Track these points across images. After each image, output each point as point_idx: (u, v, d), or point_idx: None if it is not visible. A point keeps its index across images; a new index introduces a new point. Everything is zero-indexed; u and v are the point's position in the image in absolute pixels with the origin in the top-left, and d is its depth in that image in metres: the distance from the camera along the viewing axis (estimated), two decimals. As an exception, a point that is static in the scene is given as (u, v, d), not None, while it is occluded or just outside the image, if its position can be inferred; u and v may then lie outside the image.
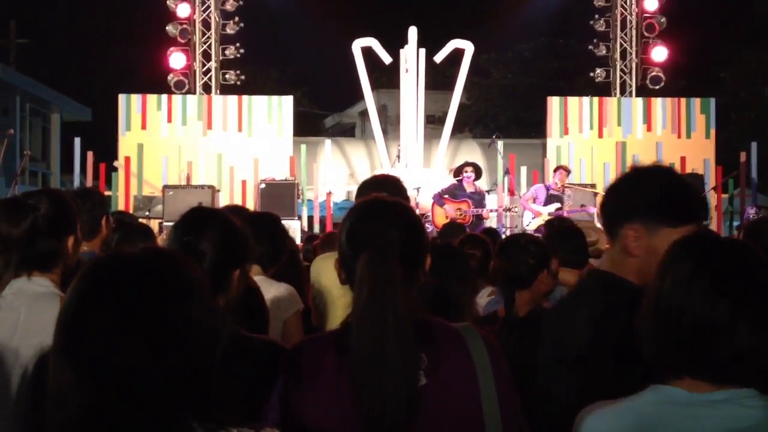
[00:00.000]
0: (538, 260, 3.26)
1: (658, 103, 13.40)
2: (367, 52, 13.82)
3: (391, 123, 23.36)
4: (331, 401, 1.67)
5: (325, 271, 3.60)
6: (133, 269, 1.23)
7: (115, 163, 13.07)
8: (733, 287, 1.38)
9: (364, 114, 14.91)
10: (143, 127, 13.29)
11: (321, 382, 1.70)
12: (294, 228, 11.05)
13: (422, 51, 13.55)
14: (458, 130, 27.73)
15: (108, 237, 3.89)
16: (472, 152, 14.51)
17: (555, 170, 11.03)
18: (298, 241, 10.01)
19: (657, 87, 13.20)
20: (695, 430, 1.36)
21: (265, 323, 2.68)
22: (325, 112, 37.62)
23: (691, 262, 1.42)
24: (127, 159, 13.10)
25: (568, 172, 10.77)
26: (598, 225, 10.23)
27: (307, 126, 28.55)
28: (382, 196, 1.98)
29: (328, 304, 3.58)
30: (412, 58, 13.47)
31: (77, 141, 12.96)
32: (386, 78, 22.03)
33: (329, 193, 12.73)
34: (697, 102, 13.49)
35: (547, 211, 10.27)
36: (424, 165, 13.67)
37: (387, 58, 13.81)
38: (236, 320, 2.14)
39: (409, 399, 1.61)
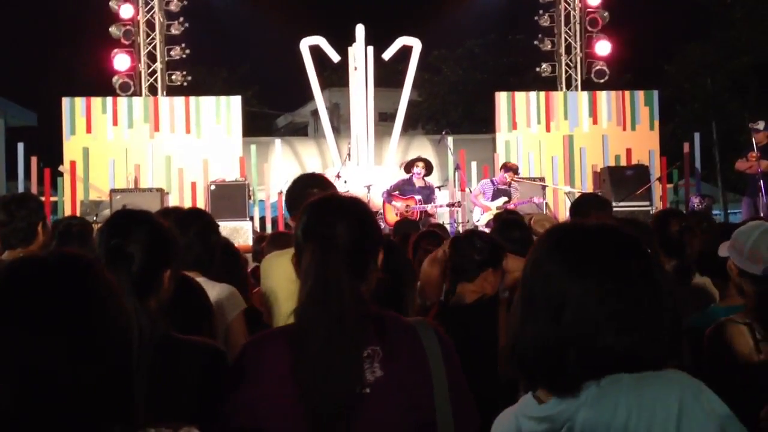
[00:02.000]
0: (484, 257, 3.28)
1: (603, 96, 13.61)
2: (316, 51, 13.78)
3: (343, 121, 23.35)
4: (282, 394, 1.70)
5: (272, 271, 3.59)
6: (43, 273, 1.22)
7: (61, 168, 12.83)
8: (612, 283, 1.35)
9: (316, 113, 14.86)
10: (88, 130, 13.05)
11: (274, 375, 1.73)
12: (246, 229, 10.98)
13: (370, 49, 13.56)
14: (411, 127, 27.83)
15: (46, 243, 3.83)
16: (423, 148, 14.56)
17: (502, 168, 11.15)
18: (250, 242, 9.96)
19: (602, 80, 13.42)
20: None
21: (210, 322, 2.66)
22: (277, 111, 37.42)
23: (570, 255, 1.39)
24: (73, 163, 12.85)
25: (515, 171, 10.89)
26: (547, 214, 10.41)
27: (259, 126, 28.37)
28: (337, 193, 2.02)
29: (275, 304, 3.56)
30: (360, 56, 13.48)
31: (20, 146, 12.69)
32: (337, 76, 22.01)
33: (281, 193, 12.65)
34: (641, 94, 13.74)
35: (495, 206, 10.38)
36: (375, 162, 13.70)
37: (335, 57, 13.79)
38: (174, 321, 2.13)
39: (357, 388, 1.66)
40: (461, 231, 8.75)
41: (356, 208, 1.89)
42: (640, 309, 1.33)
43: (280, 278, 3.26)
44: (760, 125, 9.92)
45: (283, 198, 3.09)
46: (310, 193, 3.05)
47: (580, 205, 4.15)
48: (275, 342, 1.81)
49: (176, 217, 3.54)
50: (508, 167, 11.01)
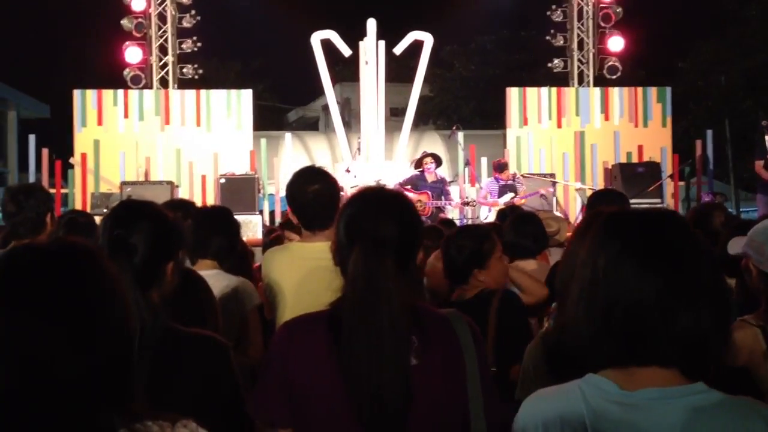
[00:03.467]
0: (465, 259, 3.24)
1: (615, 92, 13.53)
2: (328, 45, 13.76)
3: (354, 116, 23.30)
4: (325, 380, 1.73)
5: (275, 264, 3.58)
6: (43, 260, 1.22)
7: (72, 160, 12.86)
8: (663, 265, 1.32)
9: (327, 108, 14.83)
10: (99, 123, 13.07)
11: (315, 362, 1.76)
12: (255, 222, 10.98)
13: (381, 43, 13.51)
14: (422, 122, 27.80)
15: (53, 233, 3.84)
16: (433, 144, 14.53)
17: (493, 170, 11.13)
18: (259, 236, 9.96)
19: (614, 77, 13.32)
20: (625, 429, 1.31)
21: (212, 316, 2.66)
22: (288, 106, 37.45)
23: (617, 242, 1.36)
24: (84, 156, 12.89)
25: (500, 169, 10.85)
26: (558, 214, 10.37)
27: (270, 120, 28.41)
28: (382, 187, 2.04)
29: (279, 297, 3.55)
30: (371, 51, 13.43)
31: (32, 138, 12.72)
32: (349, 71, 21.97)
33: (290, 187, 12.63)
34: (653, 91, 13.64)
35: (503, 201, 10.34)
36: (386, 157, 13.66)
37: (346, 51, 13.75)
38: (177, 314, 2.12)
39: (404, 383, 1.68)
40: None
41: (402, 206, 1.91)
42: (706, 288, 1.33)
43: (283, 272, 3.26)
44: None
45: (285, 191, 3.07)
46: (310, 189, 3.05)
47: (598, 199, 4.12)
48: (312, 328, 1.83)
49: (200, 210, 3.56)
50: (496, 166, 10.97)
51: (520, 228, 4.42)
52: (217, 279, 3.03)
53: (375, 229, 1.79)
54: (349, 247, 1.79)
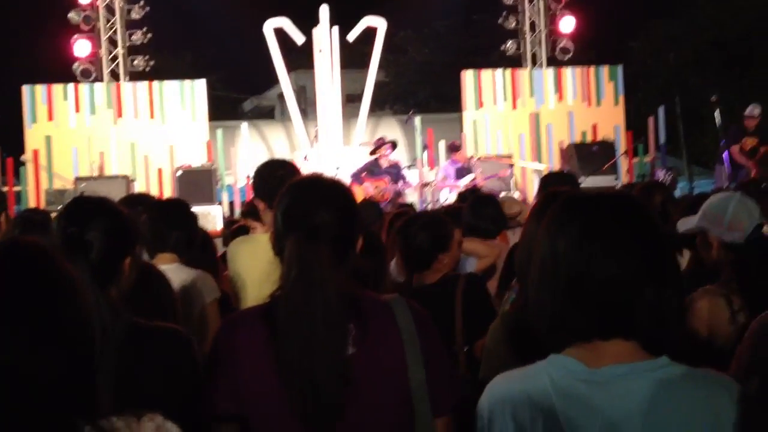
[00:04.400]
0: (430, 245, 3.28)
1: (568, 72, 13.66)
2: (281, 33, 13.65)
3: (310, 104, 23.15)
4: (265, 374, 1.71)
5: (239, 255, 3.59)
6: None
7: (23, 158, 12.61)
8: (625, 243, 1.36)
9: (283, 96, 14.74)
10: (50, 118, 12.82)
11: (255, 356, 1.74)
12: (214, 214, 10.92)
13: (335, 29, 13.46)
14: (378, 108, 27.74)
15: (7, 233, 3.78)
16: (391, 129, 14.54)
17: (447, 150, 11.21)
18: (219, 227, 9.89)
19: (566, 57, 13.45)
20: (592, 406, 1.33)
21: (171, 310, 2.64)
22: (243, 96, 37.04)
23: (578, 223, 1.39)
24: (35, 152, 12.64)
25: (455, 149, 10.94)
26: (517, 195, 10.49)
27: (225, 111, 28.08)
28: (318, 175, 2.01)
29: (243, 288, 3.56)
30: (325, 38, 13.37)
31: (-21, 136, 12.46)
32: (304, 59, 21.79)
33: (249, 177, 12.57)
34: (605, 70, 13.82)
35: (463, 184, 10.41)
36: (344, 143, 13.65)
37: (300, 39, 13.66)
38: (136, 309, 2.11)
39: (340, 374, 1.67)
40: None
41: (339, 193, 1.88)
42: (665, 264, 1.37)
43: (247, 263, 3.26)
44: (756, 112, 10.04)
45: (251, 182, 3.08)
46: (278, 175, 3.05)
47: (548, 182, 4.20)
48: (251, 322, 1.82)
49: (155, 204, 3.54)
50: (451, 147, 11.08)
51: (479, 210, 4.49)
52: (176, 273, 3.01)
53: (310, 217, 1.78)
54: (286, 236, 1.77)
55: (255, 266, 3.02)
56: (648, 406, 1.30)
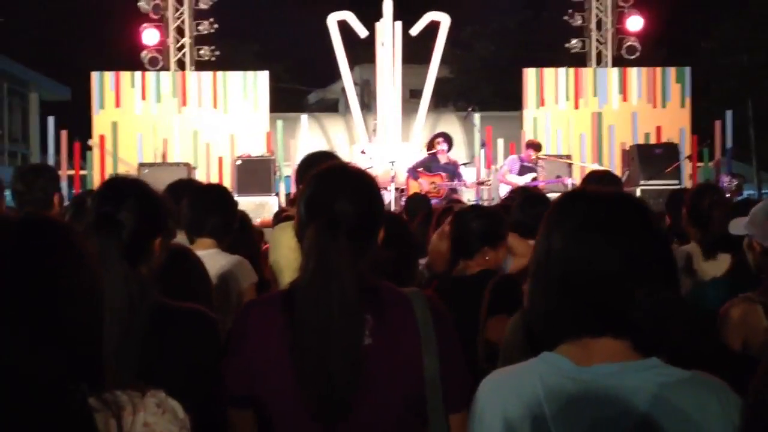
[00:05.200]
0: (480, 234, 3.27)
1: (633, 73, 13.38)
2: (344, 26, 13.72)
3: (373, 98, 23.19)
4: (278, 361, 1.72)
5: (279, 242, 3.63)
6: (8, 235, 1.23)
7: (90, 142, 12.99)
8: (617, 240, 1.35)
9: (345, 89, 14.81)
10: (117, 105, 13.16)
11: (269, 341, 1.76)
12: (271, 204, 11.04)
13: (398, 24, 13.46)
14: (442, 104, 27.67)
15: (60, 214, 3.89)
16: (450, 125, 14.48)
17: (526, 145, 11.08)
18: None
19: (633, 57, 13.17)
20: (579, 405, 1.33)
21: (204, 294, 2.69)
22: (308, 88, 37.39)
23: (572, 219, 1.39)
24: (102, 137, 13.00)
25: (536, 149, 10.79)
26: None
27: (290, 102, 28.37)
28: (343, 164, 2.01)
29: (280, 276, 3.60)
30: (387, 32, 13.39)
31: (50, 120, 12.86)
32: (370, 53, 21.86)
33: (306, 169, 12.66)
34: (672, 71, 13.48)
35: (523, 182, 10.29)
36: (402, 139, 13.65)
37: (363, 32, 13.71)
38: (171, 292, 2.15)
39: (355, 363, 1.66)
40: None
41: (361, 182, 1.87)
42: (659, 263, 1.35)
43: (284, 250, 3.29)
44: None
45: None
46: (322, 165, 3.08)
47: (589, 181, 4.12)
48: (269, 307, 1.84)
49: (196, 189, 3.60)
50: (531, 144, 10.92)
51: (528, 209, 4.44)
52: (213, 258, 3.05)
53: (331, 206, 1.77)
54: (307, 225, 1.77)
55: (292, 253, 3.05)
56: (634, 406, 1.28)
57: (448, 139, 10.79)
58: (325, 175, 1.88)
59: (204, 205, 3.22)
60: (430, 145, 10.95)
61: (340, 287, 1.68)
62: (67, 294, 1.21)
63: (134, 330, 1.90)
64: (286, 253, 3.37)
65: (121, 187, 2.06)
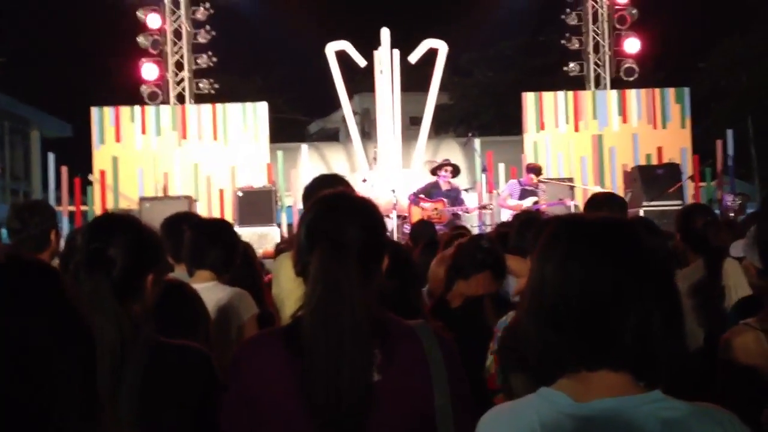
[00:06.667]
0: (484, 258, 3.22)
1: (632, 94, 13.40)
2: (343, 56, 13.78)
3: (374, 126, 23.27)
4: (282, 397, 1.66)
5: (280, 273, 3.57)
6: None
7: (90, 177, 13.00)
8: (609, 265, 1.30)
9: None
10: (117, 139, 13.20)
11: (271, 376, 1.69)
12: (273, 235, 11.00)
13: (396, 52, 13.51)
14: (443, 130, 27.75)
15: (57, 250, 3.83)
16: (451, 151, 14.48)
17: (526, 169, 11.06)
18: (276, 248, 9.97)
19: (631, 78, 13.21)
20: None
21: (200, 329, 2.63)
22: (308, 118, 37.55)
23: (565, 245, 1.34)
24: (102, 172, 13.01)
25: (537, 172, 10.75)
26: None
27: (291, 133, 28.45)
28: (345, 191, 1.95)
29: (281, 307, 3.54)
30: (386, 60, 13.44)
31: (51, 157, 12.89)
32: (368, 81, 21.96)
33: (308, 198, 12.63)
34: (671, 92, 13.50)
35: (525, 205, 10.24)
36: (403, 166, 13.64)
37: (361, 61, 13.77)
38: (166, 328, 2.10)
39: (365, 394, 1.60)
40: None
41: (366, 208, 1.82)
42: (655, 289, 1.30)
43: (286, 280, 3.24)
44: None
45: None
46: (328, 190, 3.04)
47: (593, 203, 4.07)
48: (270, 343, 1.77)
49: (197, 222, 3.56)
50: (531, 168, 10.89)
51: (523, 232, 4.41)
52: (212, 291, 3.01)
53: (336, 231, 1.71)
54: (310, 252, 1.70)
55: (294, 284, 2.99)
56: None
57: (455, 170, 10.76)
58: (326, 200, 1.82)
59: (206, 239, 3.18)
60: (434, 171, 10.92)
61: (350, 313, 1.61)
62: (46, 336, 1.16)
63: (130, 370, 1.85)
64: (286, 285, 3.32)
65: (111, 224, 2.01)
